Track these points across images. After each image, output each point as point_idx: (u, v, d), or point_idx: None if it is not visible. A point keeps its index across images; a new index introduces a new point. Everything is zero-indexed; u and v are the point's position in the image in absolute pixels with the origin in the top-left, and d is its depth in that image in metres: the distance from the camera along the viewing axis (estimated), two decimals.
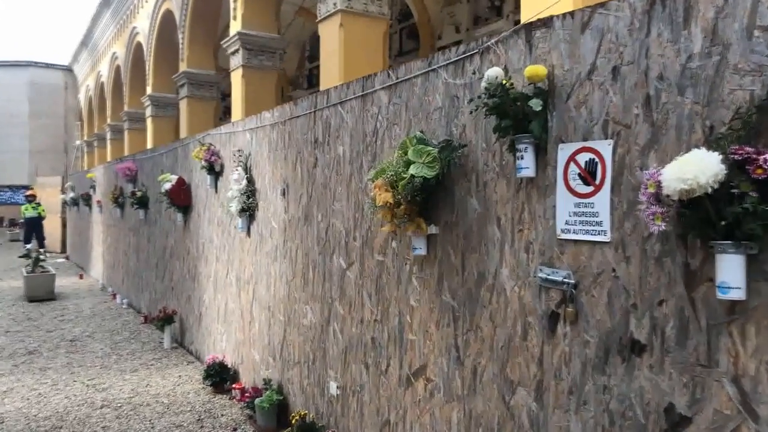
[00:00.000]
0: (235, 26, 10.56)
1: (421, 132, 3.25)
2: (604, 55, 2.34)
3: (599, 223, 2.34)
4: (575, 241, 2.43)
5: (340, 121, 4.07)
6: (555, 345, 2.51)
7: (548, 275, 2.52)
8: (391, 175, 3.09)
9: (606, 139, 2.32)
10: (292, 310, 4.73)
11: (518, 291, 2.71)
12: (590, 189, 2.38)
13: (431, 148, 3.02)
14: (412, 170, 2.99)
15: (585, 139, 2.40)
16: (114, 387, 6.03)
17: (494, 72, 2.59)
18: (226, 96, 16.88)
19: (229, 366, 5.86)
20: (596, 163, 2.35)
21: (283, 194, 4.84)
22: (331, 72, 8.59)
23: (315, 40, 16.89)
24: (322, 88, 9.30)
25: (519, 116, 2.55)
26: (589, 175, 2.38)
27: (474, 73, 2.91)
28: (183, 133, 13.10)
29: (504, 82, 2.58)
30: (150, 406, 5.45)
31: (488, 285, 2.87)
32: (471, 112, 2.79)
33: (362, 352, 3.83)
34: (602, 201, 2.33)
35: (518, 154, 2.60)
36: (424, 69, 3.28)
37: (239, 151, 5.66)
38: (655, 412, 2.14)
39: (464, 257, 3.02)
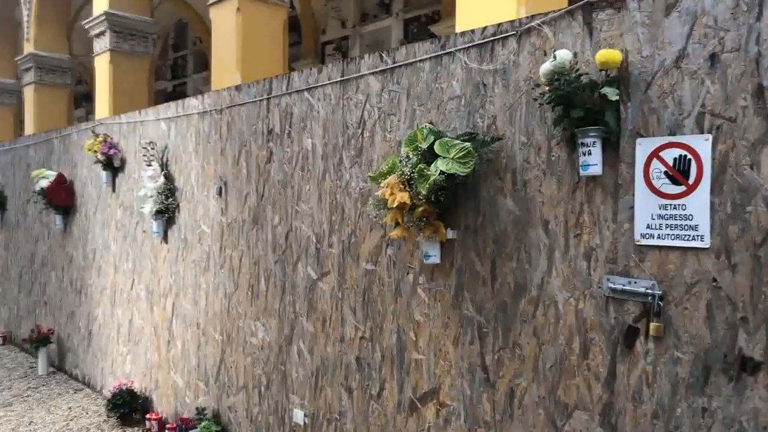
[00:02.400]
0: (101, 5, 9.41)
1: (431, 123, 2.86)
2: (698, 41, 2.10)
3: (694, 227, 2.10)
4: (660, 248, 2.18)
5: (307, 109, 3.55)
6: (633, 364, 2.24)
7: (624, 286, 2.25)
8: (410, 171, 2.67)
9: (702, 133, 2.09)
10: (234, 328, 4.11)
11: (575, 304, 2.41)
12: (681, 189, 2.13)
13: (461, 142, 2.64)
14: (441, 166, 2.59)
15: (672, 133, 2.15)
16: None
17: (566, 54, 2.27)
18: (76, 84, 15.20)
19: (138, 393, 5.05)
20: (689, 160, 2.11)
21: (220, 193, 4.20)
22: (225, 61, 7.88)
23: (181, 27, 15.73)
24: (214, 78, 8.52)
25: (589, 106, 2.26)
26: (679, 173, 2.13)
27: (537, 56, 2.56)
28: (29, 124, 11.48)
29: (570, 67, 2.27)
30: None
31: (531, 297, 2.55)
32: (536, 100, 2.44)
33: (342, 374, 3.35)
34: (698, 202, 2.09)
35: (584, 149, 2.30)
36: (434, 52, 2.89)
37: (151, 143, 4.89)
38: None
39: (495, 265, 2.67)
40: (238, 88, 4.07)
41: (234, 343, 4.11)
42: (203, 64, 15.17)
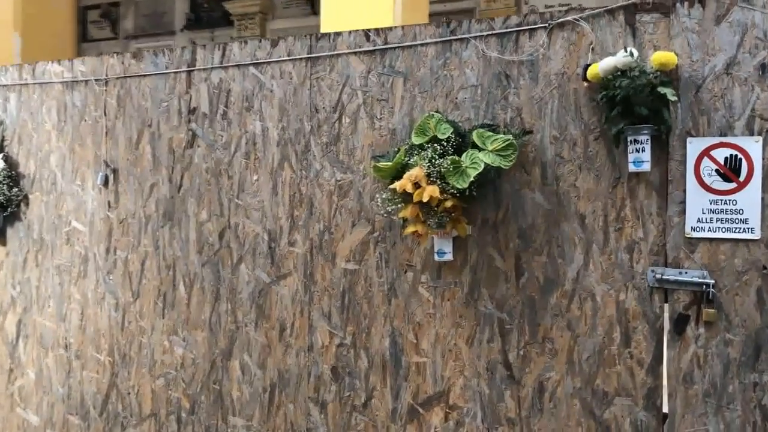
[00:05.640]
0: None
1: (438, 112, 2.70)
2: (749, 51, 2.31)
3: (744, 221, 2.32)
4: (711, 240, 2.36)
5: (254, 87, 3.07)
6: (683, 349, 2.39)
7: (675, 276, 2.39)
8: (446, 164, 2.49)
9: (752, 135, 2.31)
10: (132, 345, 3.40)
11: (615, 295, 2.49)
12: (732, 186, 2.33)
13: (494, 134, 2.54)
14: (485, 159, 2.47)
15: (723, 134, 2.34)
16: None
17: (635, 52, 2.31)
18: None
19: None
20: (740, 159, 2.32)
21: (106, 183, 3.43)
22: None
23: None
24: None
25: (649, 105, 2.34)
26: (731, 171, 2.33)
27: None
28: None
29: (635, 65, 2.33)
30: None
31: (564, 291, 2.57)
32: (601, 98, 2.40)
33: (311, 387, 3.00)
34: (749, 198, 2.31)
35: (637, 146, 2.38)
36: (441, 37, 2.73)
37: None
38: None
39: (520, 261, 2.63)
40: (136, 55, 3.35)
41: (133, 364, 3.40)
42: None
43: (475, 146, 2.56)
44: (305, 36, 2.97)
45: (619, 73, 2.33)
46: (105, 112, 3.44)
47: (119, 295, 3.43)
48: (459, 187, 2.48)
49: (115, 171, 3.42)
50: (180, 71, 3.24)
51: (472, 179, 2.45)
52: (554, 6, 8.08)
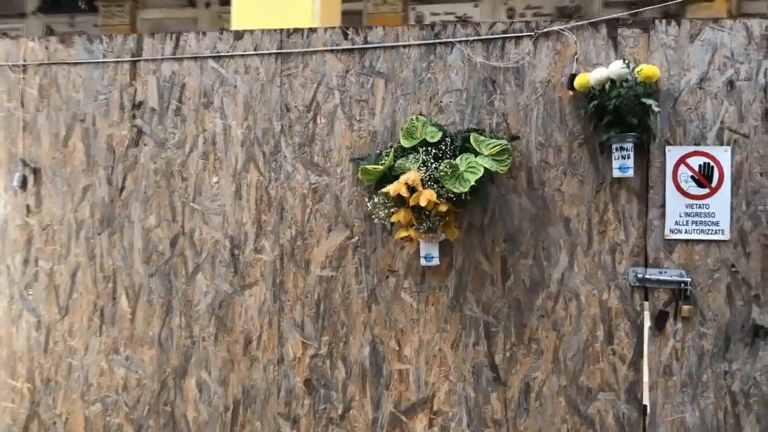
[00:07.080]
0: None
1: (422, 114, 2.67)
2: (718, 68, 2.52)
3: (716, 223, 2.53)
4: (687, 241, 2.54)
5: (215, 82, 2.83)
6: (663, 343, 2.56)
7: (656, 276, 2.55)
8: (445, 168, 2.45)
9: (722, 145, 2.52)
10: (59, 369, 2.98)
11: (599, 295, 2.61)
12: (705, 191, 2.53)
13: (487, 138, 2.55)
14: (484, 163, 2.46)
15: (697, 143, 2.53)
16: None
17: (631, 64, 2.43)
18: None
19: None
20: (712, 167, 2.53)
21: (23, 184, 2.98)
22: None
23: None
24: None
25: (636, 114, 2.47)
26: (704, 177, 2.53)
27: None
28: None
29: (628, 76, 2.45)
30: None
31: (549, 292, 2.64)
32: (590, 108, 2.47)
33: (281, 402, 2.82)
34: (720, 202, 2.52)
35: (623, 152, 2.51)
36: (424, 39, 2.69)
37: None
38: None
39: (506, 264, 2.67)
40: (64, 40, 2.95)
41: (61, 390, 2.99)
42: None
43: (465, 150, 2.56)
44: (275, 30, 2.79)
45: (610, 83, 2.44)
46: (22, 103, 2.99)
47: (41, 312, 3.00)
48: (457, 191, 2.46)
49: (36, 171, 2.98)
50: (122, 61, 2.90)
51: (473, 184, 2.44)
52: (440, 14, 8.36)
